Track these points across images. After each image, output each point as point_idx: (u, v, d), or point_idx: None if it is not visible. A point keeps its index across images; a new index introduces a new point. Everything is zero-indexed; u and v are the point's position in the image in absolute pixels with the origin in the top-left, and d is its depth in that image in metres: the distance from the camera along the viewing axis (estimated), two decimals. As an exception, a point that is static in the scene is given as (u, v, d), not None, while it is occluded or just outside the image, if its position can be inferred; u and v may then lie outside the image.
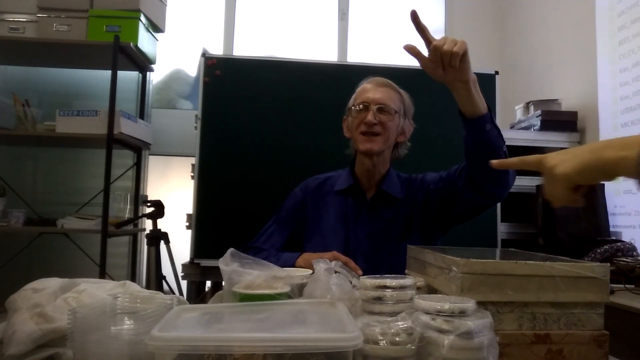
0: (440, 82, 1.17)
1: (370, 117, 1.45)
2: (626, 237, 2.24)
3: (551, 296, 0.75)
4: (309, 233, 1.55)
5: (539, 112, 2.60)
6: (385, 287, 0.71)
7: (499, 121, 2.43)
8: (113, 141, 2.54)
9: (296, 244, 1.56)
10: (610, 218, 2.32)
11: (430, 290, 0.87)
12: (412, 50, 1.14)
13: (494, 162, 0.91)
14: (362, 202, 1.54)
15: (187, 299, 1.24)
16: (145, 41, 2.80)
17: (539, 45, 3.12)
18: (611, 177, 0.70)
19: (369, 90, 1.51)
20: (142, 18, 2.73)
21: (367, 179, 1.54)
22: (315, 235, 1.54)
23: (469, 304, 0.64)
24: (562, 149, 2.91)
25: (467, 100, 1.20)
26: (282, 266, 0.91)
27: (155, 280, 2.30)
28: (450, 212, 1.48)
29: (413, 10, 1.08)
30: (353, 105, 1.52)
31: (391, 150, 1.55)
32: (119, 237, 2.95)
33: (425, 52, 1.15)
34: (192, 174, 2.37)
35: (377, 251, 1.48)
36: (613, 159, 0.68)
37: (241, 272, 0.85)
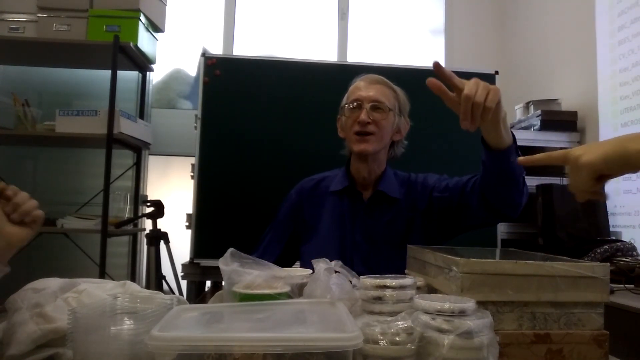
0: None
1: (363, 115, 1.39)
2: (626, 237, 2.24)
3: (551, 296, 0.75)
4: (306, 236, 1.51)
5: (539, 112, 2.60)
6: (385, 287, 0.71)
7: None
8: (113, 141, 2.54)
9: (294, 248, 1.53)
10: (610, 218, 2.32)
11: (430, 290, 0.87)
12: (436, 88, 1.03)
13: (521, 159, 0.88)
14: (359, 203, 1.49)
15: (187, 299, 1.24)
16: (145, 41, 2.80)
17: (539, 45, 3.12)
18: (635, 168, 0.72)
19: (361, 88, 1.46)
20: (142, 18, 2.73)
21: (362, 179, 1.49)
22: (312, 238, 1.50)
23: (469, 304, 0.64)
24: (562, 148, 2.90)
25: (493, 134, 1.12)
26: None
27: (155, 280, 2.30)
28: (457, 224, 1.43)
29: (436, 61, 1.02)
30: (346, 104, 1.47)
31: (387, 150, 1.51)
32: (119, 237, 2.95)
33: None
34: (192, 174, 2.37)
35: (375, 254, 1.44)
36: (637, 151, 0.69)
37: (241, 272, 0.85)
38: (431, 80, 1.02)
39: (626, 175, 2.41)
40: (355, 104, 1.44)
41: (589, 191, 0.76)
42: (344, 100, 1.52)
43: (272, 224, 1.59)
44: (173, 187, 3.27)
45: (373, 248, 1.45)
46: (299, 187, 1.60)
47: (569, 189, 0.81)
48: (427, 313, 0.64)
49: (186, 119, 3.04)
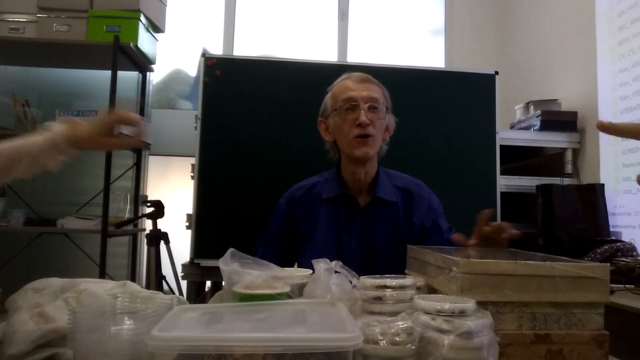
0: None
1: (363, 117, 1.34)
2: (626, 237, 2.24)
3: (551, 296, 0.75)
4: (302, 245, 1.48)
5: (538, 112, 2.60)
6: (385, 287, 0.71)
7: (499, 121, 2.45)
8: (113, 141, 2.54)
9: (289, 257, 1.50)
10: (610, 218, 2.32)
11: (430, 290, 0.87)
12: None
13: (602, 123, 0.75)
14: (355, 209, 1.45)
15: (187, 299, 1.24)
16: (145, 41, 2.80)
17: (539, 45, 3.12)
18: None
19: (352, 87, 1.40)
20: (142, 18, 2.73)
21: (358, 182, 1.45)
22: (308, 247, 1.46)
23: (469, 304, 0.64)
24: (562, 149, 2.89)
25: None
26: None
27: (155, 280, 2.30)
28: None
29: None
30: (339, 106, 1.40)
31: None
32: (119, 237, 2.95)
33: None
34: (192, 174, 2.37)
35: (372, 260, 1.41)
36: None
37: (241, 272, 0.85)
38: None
39: (626, 175, 2.41)
40: (350, 104, 1.38)
41: None
42: (330, 102, 1.46)
43: (264, 235, 1.54)
44: (173, 187, 3.27)
45: (370, 254, 1.42)
46: (288, 196, 1.54)
47: None
48: (427, 313, 0.63)
49: (186, 119, 3.03)
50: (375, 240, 1.43)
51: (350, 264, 1.37)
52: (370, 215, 1.45)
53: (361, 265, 1.40)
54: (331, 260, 1.40)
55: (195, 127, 2.37)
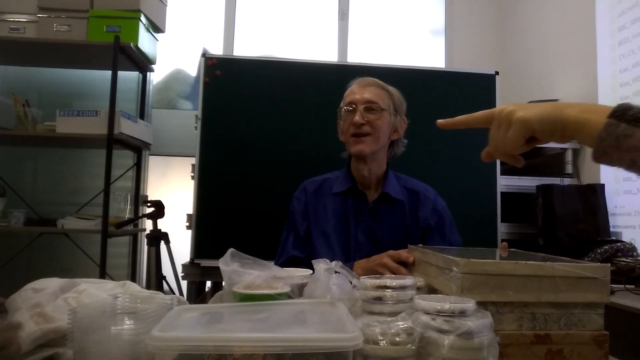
0: None
1: (357, 117, 1.44)
2: (626, 237, 2.24)
3: (551, 296, 0.75)
4: (312, 234, 1.55)
5: (539, 112, 2.60)
6: (385, 287, 0.71)
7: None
8: (113, 141, 2.54)
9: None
10: (610, 218, 2.32)
11: (430, 290, 0.87)
12: None
13: (440, 121, 0.81)
14: (363, 204, 1.53)
15: (187, 299, 1.24)
16: (145, 41, 2.80)
17: (539, 45, 3.12)
18: (568, 137, 0.69)
19: (355, 91, 1.51)
20: (142, 18, 2.73)
21: (363, 179, 1.54)
22: (317, 238, 1.53)
23: (469, 304, 0.64)
24: (562, 149, 2.88)
25: None
26: None
27: (156, 280, 2.30)
28: None
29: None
30: (342, 108, 1.53)
31: (386, 150, 1.55)
32: (119, 237, 2.95)
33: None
34: (192, 174, 2.37)
35: (378, 253, 1.44)
36: (575, 119, 0.67)
37: (241, 272, 0.85)
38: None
39: (626, 175, 2.41)
40: (350, 107, 1.49)
41: (513, 152, 0.72)
42: (341, 105, 1.56)
43: (290, 229, 1.58)
44: (173, 187, 3.27)
45: (376, 248, 1.46)
46: (302, 188, 1.62)
47: (488, 148, 0.75)
48: (427, 313, 0.63)
49: (186, 119, 3.04)
50: (381, 235, 1.49)
51: (356, 255, 1.44)
52: (377, 210, 1.52)
53: (367, 257, 1.43)
54: (338, 251, 1.44)
55: (196, 127, 2.37)
